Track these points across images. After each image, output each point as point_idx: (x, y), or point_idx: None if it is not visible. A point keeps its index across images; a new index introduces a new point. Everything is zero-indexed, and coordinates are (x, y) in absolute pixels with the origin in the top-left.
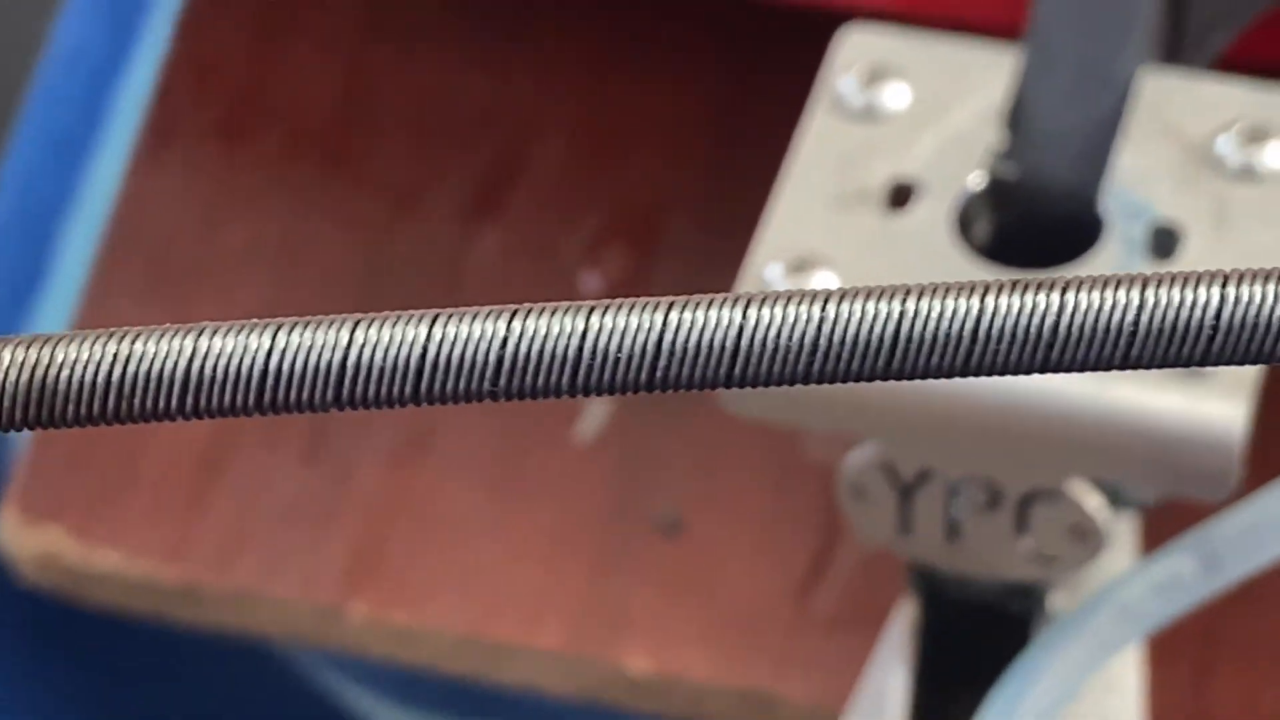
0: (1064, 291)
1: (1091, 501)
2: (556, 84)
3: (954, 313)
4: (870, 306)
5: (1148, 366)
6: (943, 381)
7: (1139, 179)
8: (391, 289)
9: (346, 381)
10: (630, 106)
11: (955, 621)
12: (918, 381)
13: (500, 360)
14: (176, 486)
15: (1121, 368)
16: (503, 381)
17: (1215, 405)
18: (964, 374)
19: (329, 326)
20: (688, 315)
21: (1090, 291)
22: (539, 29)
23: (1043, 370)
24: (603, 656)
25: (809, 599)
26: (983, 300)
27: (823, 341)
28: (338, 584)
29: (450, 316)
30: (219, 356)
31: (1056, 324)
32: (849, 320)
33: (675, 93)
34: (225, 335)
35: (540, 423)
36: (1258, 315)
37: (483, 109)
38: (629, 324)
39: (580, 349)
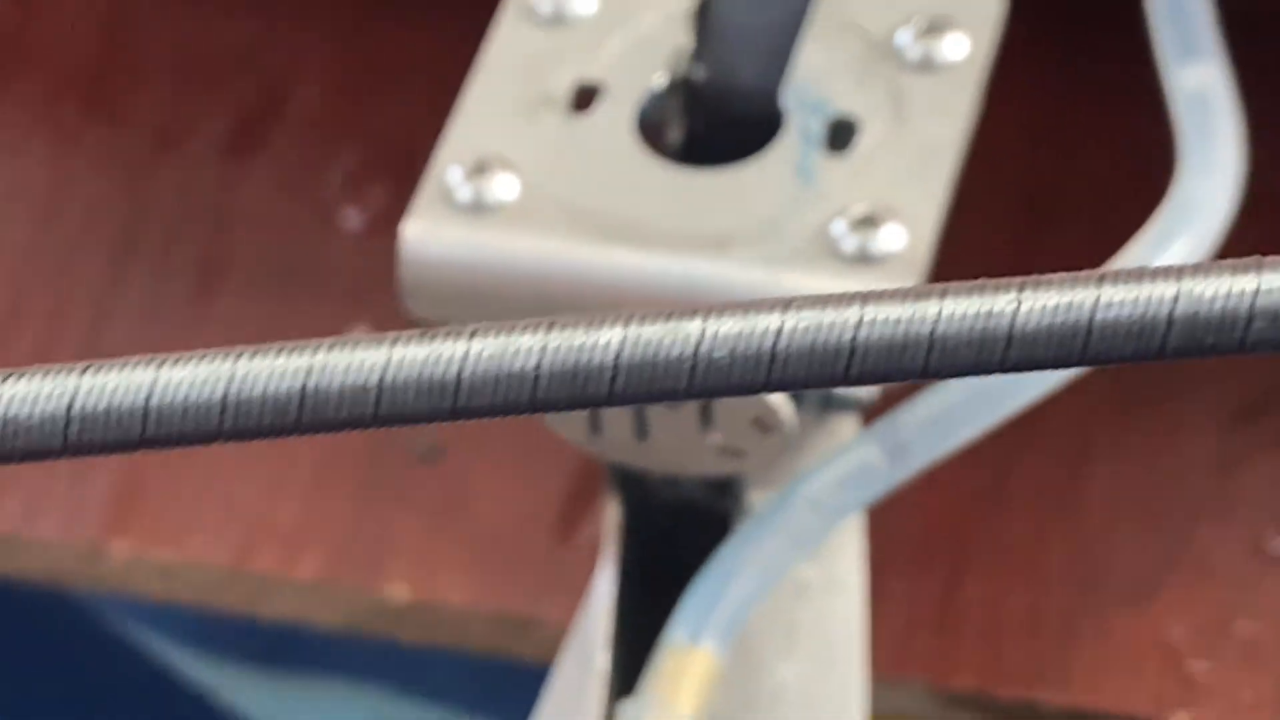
0: (471, 338)
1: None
2: (318, 21)
3: (359, 365)
4: (275, 360)
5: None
6: (604, 274)
7: (819, 74)
8: (155, 229)
9: None
10: (391, 43)
11: (657, 520)
12: (585, 276)
13: None
14: None
15: (526, 411)
16: None
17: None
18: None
19: None
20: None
21: (496, 337)
22: None
23: (448, 419)
24: (364, 586)
25: (571, 522)
26: (390, 350)
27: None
28: (99, 523)
29: None
30: None
31: (460, 372)
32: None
33: (436, 29)
34: None
35: None
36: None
37: (244, 47)
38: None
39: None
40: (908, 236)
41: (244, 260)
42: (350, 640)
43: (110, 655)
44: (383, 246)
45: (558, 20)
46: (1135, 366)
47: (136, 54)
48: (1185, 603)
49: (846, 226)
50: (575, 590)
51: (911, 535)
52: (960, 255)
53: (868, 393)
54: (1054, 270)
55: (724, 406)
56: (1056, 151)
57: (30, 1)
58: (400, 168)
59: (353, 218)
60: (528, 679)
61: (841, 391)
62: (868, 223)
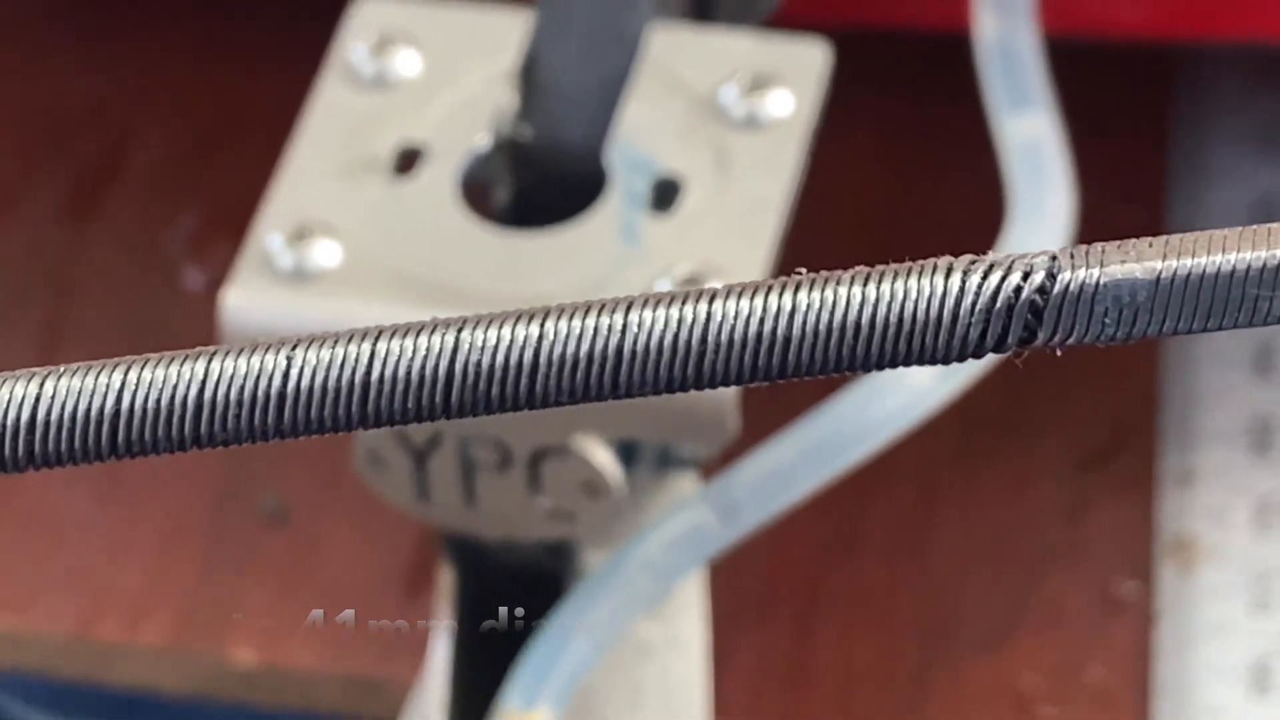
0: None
1: (599, 456)
2: (156, 79)
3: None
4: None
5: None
6: None
7: (643, 133)
8: None
9: None
10: (232, 99)
11: (492, 583)
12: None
13: None
14: None
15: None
16: None
17: None
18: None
19: None
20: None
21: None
22: (139, 24)
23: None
24: (210, 651)
25: (419, 585)
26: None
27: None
28: None
29: None
30: None
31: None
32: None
33: (277, 83)
34: None
35: None
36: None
37: (82, 107)
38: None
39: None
40: None
41: (86, 322)
42: (200, 704)
43: None
44: None
45: (380, 83)
46: (982, 412)
47: None
48: (1036, 649)
49: (671, 287)
50: (425, 650)
51: (761, 586)
52: None
53: (705, 451)
54: None
55: (552, 470)
56: (907, 197)
57: None
58: (243, 226)
59: (195, 278)
60: None
61: (678, 449)
62: (692, 282)
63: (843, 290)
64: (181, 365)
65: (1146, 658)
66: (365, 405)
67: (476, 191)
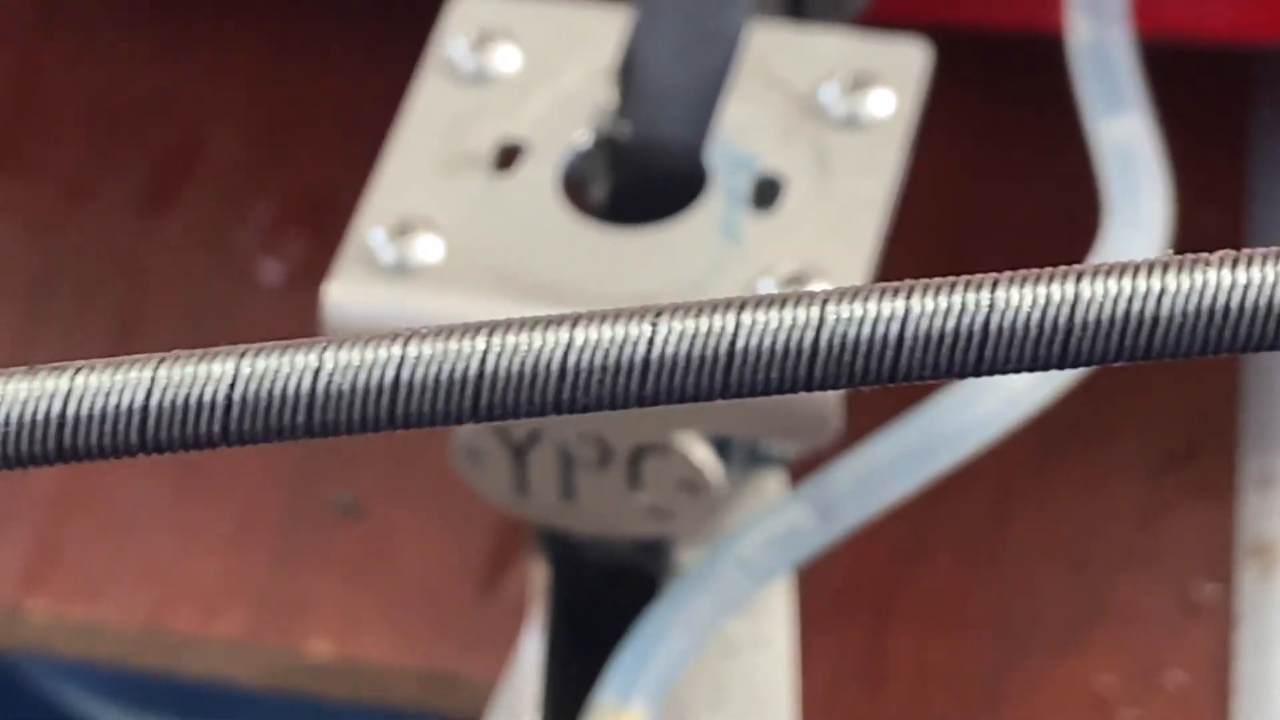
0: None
1: (699, 454)
2: (230, 71)
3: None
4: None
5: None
6: None
7: (744, 131)
8: (69, 283)
9: None
10: (306, 90)
11: (585, 581)
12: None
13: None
14: None
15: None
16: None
17: None
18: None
19: None
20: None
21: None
22: (213, 16)
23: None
24: (284, 643)
25: (494, 579)
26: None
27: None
28: (17, 582)
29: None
30: None
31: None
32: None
33: (352, 75)
34: None
35: None
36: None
37: (156, 98)
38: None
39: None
40: None
41: (160, 314)
42: (273, 695)
43: (30, 711)
44: (302, 299)
45: (480, 78)
46: (1060, 412)
47: (46, 104)
48: (1113, 652)
49: (774, 286)
50: (500, 645)
51: (835, 588)
52: None
53: (799, 449)
54: None
55: (652, 467)
56: (983, 196)
57: None
58: (319, 218)
59: (271, 270)
60: None
61: (767, 447)
62: (795, 282)
63: (1212, 274)
64: (546, 331)
65: (1226, 661)
66: (729, 375)
67: (573, 189)
